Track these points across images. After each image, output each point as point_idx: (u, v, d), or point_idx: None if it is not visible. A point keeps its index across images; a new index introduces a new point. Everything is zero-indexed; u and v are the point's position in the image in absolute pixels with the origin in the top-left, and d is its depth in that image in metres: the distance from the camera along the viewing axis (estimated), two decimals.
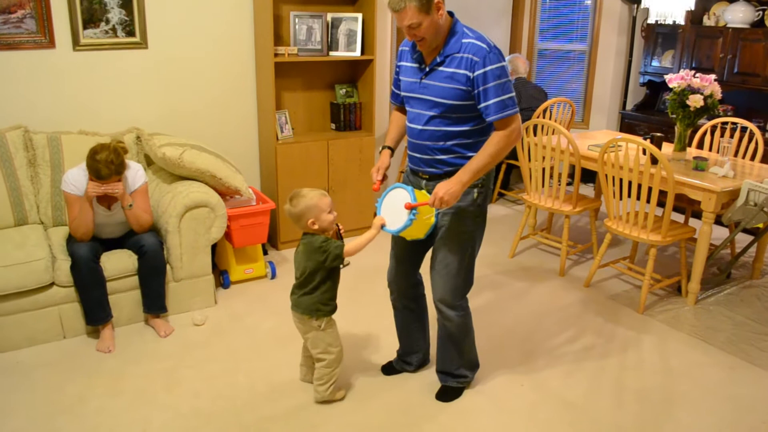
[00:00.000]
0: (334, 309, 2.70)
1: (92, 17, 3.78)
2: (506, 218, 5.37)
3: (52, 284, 3.20)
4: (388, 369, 3.08)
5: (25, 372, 3.02)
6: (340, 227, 2.72)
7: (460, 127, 2.50)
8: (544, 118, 5.14)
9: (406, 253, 2.80)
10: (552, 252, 4.63)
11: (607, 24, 5.94)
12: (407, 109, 2.63)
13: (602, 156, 3.73)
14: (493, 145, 2.43)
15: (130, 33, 3.93)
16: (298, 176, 4.42)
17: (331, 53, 4.50)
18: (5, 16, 3.55)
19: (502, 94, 2.37)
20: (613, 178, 3.75)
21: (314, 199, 2.55)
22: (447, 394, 2.90)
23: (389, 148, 2.75)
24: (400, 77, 2.65)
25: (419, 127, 2.54)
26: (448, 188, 2.40)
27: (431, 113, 2.50)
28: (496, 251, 4.59)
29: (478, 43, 2.37)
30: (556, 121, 5.28)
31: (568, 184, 5.74)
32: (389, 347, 3.22)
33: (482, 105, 2.40)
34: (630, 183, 3.64)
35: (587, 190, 5.98)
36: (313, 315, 2.64)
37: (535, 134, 4.23)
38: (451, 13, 2.45)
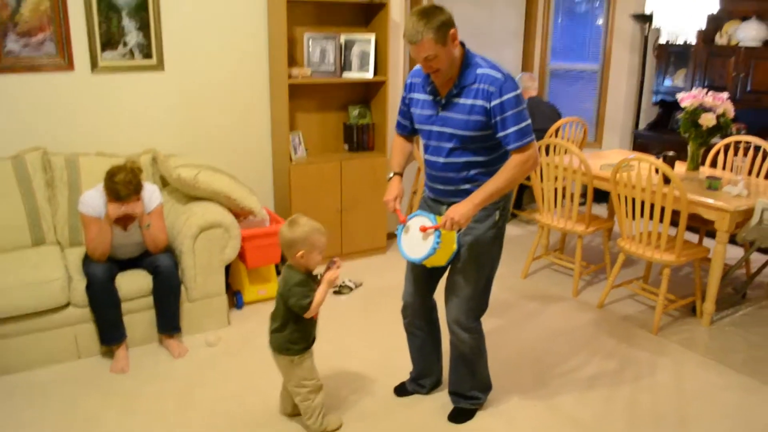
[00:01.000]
0: (306, 348, 2.62)
1: (111, 40, 3.86)
2: (519, 238, 5.36)
3: (68, 304, 3.23)
4: (401, 390, 3.07)
5: (40, 391, 3.04)
6: (337, 262, 2.60)
7: (480, 157, 2.52)
8: (556, 137, 5.15)
9: (423, 277, 2.79)
10: (565, 272, 4.62)
11: (619, 43, 5.96)
12: (423, 141, 2.64)
13: (614, 176, 3.73)
14: (509, 170, 2.44)
15: (148, 56, 4.00)
16: (311, 197, 4.45)
17: (344, 74, 4.55)
18: (26, 39, 3.64)
19: (520, 121, 2.39)
20: (626, 197, 3.75)
21: (315, 233, 2.50)
22: (459, 415, 2.88)
23: (399, 174, 2.76)
24: (412, 109, 2.65)
25: (441, 159, 2.55)
26: (460, 209, 2.41)
27: (450, 145, 2.51)
28: (509, 272, 4.58)
29: (493, 72, 2.40)
30: (568, 140, 5.29)
31: (581, 204, 5.73)
32: (401, 368, 3.21)
33: (501, 134, 2.41)
34: (643, 203, 3.63)
35: (600, 210, 5.96)
36: (284, 353, 2.59)
37: (547, 154, 4.24)
38: (462, 43, 2.46)
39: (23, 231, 3.54)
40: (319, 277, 2.60)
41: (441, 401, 2.98)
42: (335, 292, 4.16)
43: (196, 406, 2.94)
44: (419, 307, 2.85)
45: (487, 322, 2.85)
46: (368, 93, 4.82)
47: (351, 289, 4.22)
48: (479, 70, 2.41)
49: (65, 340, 3.26)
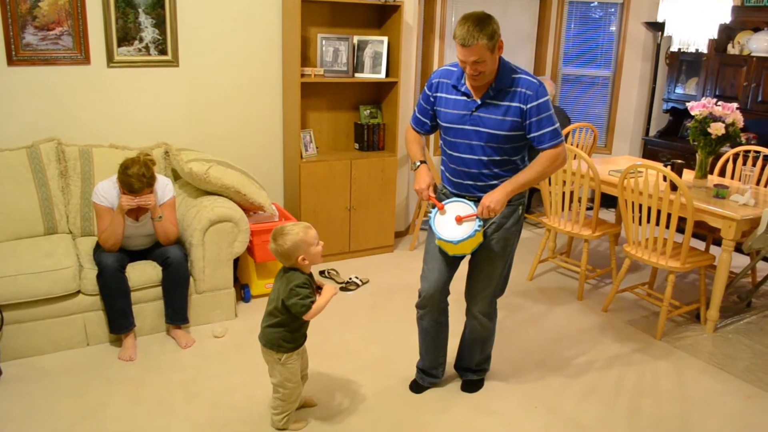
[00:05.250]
0: (297, 346, 2.64)
1: (127, 35, 3.93)
2: (527, 241, 5.38)
3: (78, 292, 3.29)
4: (417, 387, 3.11)
5: (49, 377, 3.10)
6: (319, 284, 2.65)
7: (512, 156, 2.67)
8: (565, 142, 5.17)
9: (447, 267, 2.83)
10: (571, 276, 4.64)
11: (631, 50, 5.97)
12: (450, 139, 2.73)
13: (622, 181, 3.75)
14: (542, 164, 2.60)
15: (163, 51, 4.06)
16: (320, 194, 4.49)
17: (357, 75, 4.60)
18: (44, 32, 3.71)
19: (554, 123, 2.58)
20: (633, 203, 3.76)
21: (300, 234, 2.49)
22: (473, 385, 3.11)
23: (424, 162, 2.83)
24: (439, 108, 2.73)
25: (474, 157, 2.67)
26: (495, 197, 2.56)
27: (485, 144, 2.63)
28: (515, 273, 4.58)
29: (530, 78, 2.58)
30: (577, 146, 5.31)
31: (589, 208, 5.74)
32: (405, 365, 3.25)
33: (536, 134, 2.58)
34: (649, 209, 3.65)
35: (609, 215, 5.97)
36: (275, 349, 2.60)
37: None
38: None
39: (36, 220, 3.61)
40: (317, 281, 2.64)
41: (436, 395, 3.04)
42: (342, 289, 4.20)
43: (201, 397, 2.99)
44: (438, 298, 2.88)
45: None
46: (380, 93, 4.86)
47: (357, 285, 4.26)
48: (515, 75, 2.58)
49: (75, 327, 3.32)
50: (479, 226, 2.56)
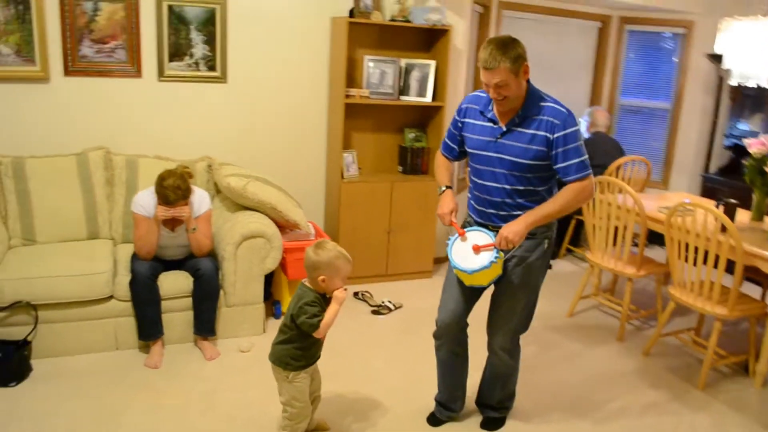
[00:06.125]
0: (306, 365, 2.60)
1: (178, 51, 4.05)
2: (572, 275, 5.21)
3: (111, 297, 3.37)
4: (434, 420, 3.02)
5: (75, 378, 3.18)
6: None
7: (535, 186, 2.59)
8: (617, 175, 5.00)
9: (465, 297, 2.75)
10: (613, 315, 4.45)
11: (692, 82, 5.75)
12: (475, 166, 2.69)
13: (669, 219, 3.58)
14: (565, 197, 2.51)
15: (212, 68, 4.16)
16: (360, 215, 4.48)
17: (402, 98, 4.58)
18: (99, 45, 3.86)
19: (581, 155, 2.49)
20: (680, 242, 3.58)
21: (340, 259, 2.49)
22: (492, 423, 3.00)
23: (450, 188, 2.78)
24: (465, 134, 2.70)
25: (497, 185, 2.61)
26: (513, 228, 2.47)
27: (508, 172, 2.57)
28: (555, 309, 4.45)
29: (557, 107, 2.50)
30: (628, 180, 5.12)
31: (635, 245, 5.52)
32: (426, 395, 3.16)
33: (562, 165, 2.50)
34: (696, 249, 3.47)
35: (660, 253, 5.72)
36: (282, 366, 2.57)
37: (602, 192, 4.12)
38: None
39: (80, 224, 3.73)
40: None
41: (453, 428, 2.94)
42: (373, 312, 4.16)
43: (218, 409, 2.99)
44: (455, 329, 2.79)
45: (525, 356, 2.78)
46: (425, 117, 4.83)
47: (390, 310, 4.21)
48: (543, 103, 2.51)
49: (106, 331, 3.40)
50: (496, 257, 2.48)
